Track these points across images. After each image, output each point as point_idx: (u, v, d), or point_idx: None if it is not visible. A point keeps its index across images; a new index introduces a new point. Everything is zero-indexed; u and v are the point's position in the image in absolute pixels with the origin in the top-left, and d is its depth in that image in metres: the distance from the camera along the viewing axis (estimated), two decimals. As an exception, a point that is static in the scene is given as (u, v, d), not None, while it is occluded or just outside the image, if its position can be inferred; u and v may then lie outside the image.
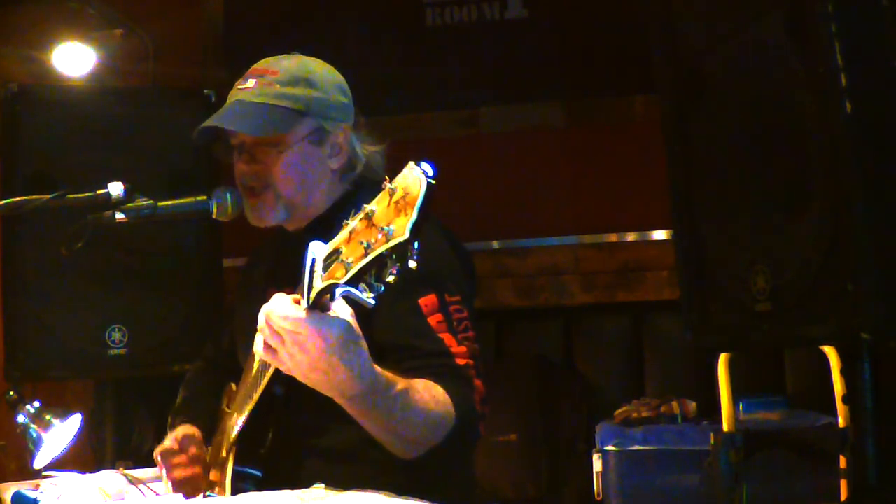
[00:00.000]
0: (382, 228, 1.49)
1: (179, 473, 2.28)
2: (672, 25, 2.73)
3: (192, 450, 2.30)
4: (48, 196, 2.19)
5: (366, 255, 1.51)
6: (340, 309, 1.69)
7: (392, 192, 1.51)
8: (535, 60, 4.65)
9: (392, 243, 1.48)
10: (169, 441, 2.31)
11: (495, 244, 4.63)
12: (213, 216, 2.25)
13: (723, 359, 3.08)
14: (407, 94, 4.71)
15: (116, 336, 3.51)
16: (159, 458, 2.31)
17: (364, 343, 1.74)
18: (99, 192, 2.19)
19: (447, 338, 2.01)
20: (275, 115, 2.16)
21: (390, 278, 1.51)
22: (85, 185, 2.22)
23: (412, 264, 1.49)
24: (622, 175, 4.52)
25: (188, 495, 2.27)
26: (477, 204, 4.54)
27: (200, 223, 3.44)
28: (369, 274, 1.53)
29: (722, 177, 2.60)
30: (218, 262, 3.72)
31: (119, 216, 2.17)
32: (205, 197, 2.25)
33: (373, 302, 1.56)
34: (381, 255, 1.49)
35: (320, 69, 2.25)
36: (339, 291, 1.58)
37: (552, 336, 4.53)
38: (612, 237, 4.54)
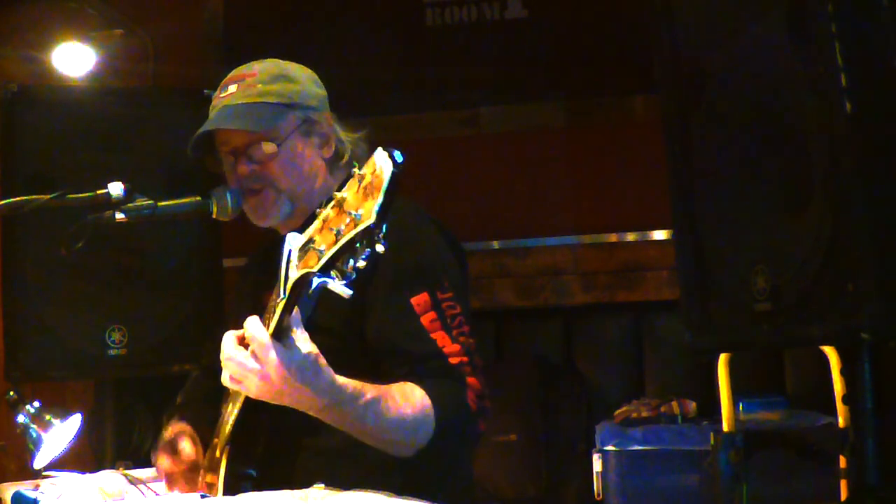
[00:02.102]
0: (350, 213, 1.51)
1: (174, 470, 2.29)
2: (672, 25, 2.73)
3: (184, 444, 2.30)
4: (48, 196, 2.19)
5: (336, 241, 1.54)
6: (298, 337, 1.77)
7: (361, 178, 1.53)
8: (535, 60, 4.65)
9: (360, 227, 1.50)
10: (161, 443, 2.32)
11: (495, 244, 4.63)
12: (213, 216, 2.25)
13: (723, 359, 3.08)
14: (407, 94, 4.71)
15: (116, 336, 3.51)
16: (155, 461, 2.32)
17: (322, 360, 1.82)
18: (99, 192, 2.19)
19: (440, 337, 2.03)
20: (264, 111, 2.19)
21: (361, 263, 1.54)
22: (85, 185, 2.22)
23: (380, 248, 1.51)
24: (622, 175, 4.52)
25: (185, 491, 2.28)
26: (477, 204, 4.54)
27: (200, 223, 3.43)
28: (342, 260, 1.55)
29: (722, 176, 2.60)
30: (218, 262, 3.72)
31: (119, 216, 2.17)
32: (205, 197, 2.25)
33: (349, 291, 1.58)
34: (350, 240, 1.51)
35: (293, 66, 2.30)
36: (315, 282, 1.61)
37: (552, 336, 4.53)
38: (612, 237, 4.55)
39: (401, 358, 2.00)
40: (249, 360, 1.78)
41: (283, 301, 1.70)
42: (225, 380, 1.86)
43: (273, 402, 1.84)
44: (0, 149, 3.53)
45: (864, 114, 2.18)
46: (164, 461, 2.28)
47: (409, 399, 1.94)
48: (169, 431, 2.32)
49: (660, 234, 4.42)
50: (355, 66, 4.60)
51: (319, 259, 1.57)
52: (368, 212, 1.49)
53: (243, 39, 4.81)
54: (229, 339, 1.83)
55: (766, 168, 2.44)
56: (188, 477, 2.28)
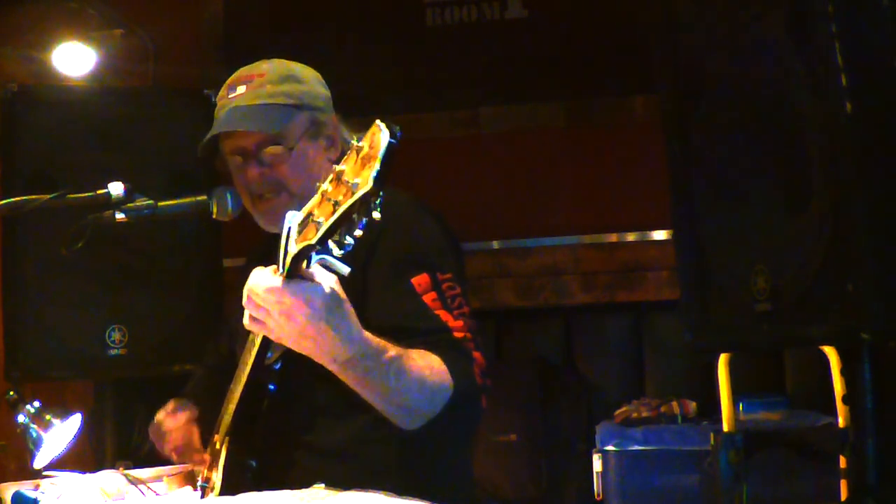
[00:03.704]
0: (348, 183, 1.52)
1: (176, 436, 2.32)
2: (672, 25, 2.73)
3: (185, 414, 2.32)
4: (48, 196, 2.19)
5: (335, 211, 1.54)
6: (322, 275, 1.71)
7: (359, 150, 1.54)
8: (535, 60, 4.65)
9: (358, 195, 1.50)
10: (160, 413, 2.35)
11: (495, 244, 4.62)
12: (213, 216, 2.25)
13: (723, 359, 3.08)
14: (407, 94, 4.71)
15: (116, 336, 3.51)
16: (152, 434, 2.34)
17: (349, 306, 1.76)
18: (99, 192, 2.19)
19: (443, 314, 2.03)
20: (275, 113, 2.17)
21: (358, 233, 1.54)
22: (85, 185, 2.23)
23: (376, 215, 1.51)
24: (622, 175, 4.52)
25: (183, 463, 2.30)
26: (477, 204, 4.54)
27: (200, 223, 3.44)
28: (339, 231, 1.55)
29: (722, 177, 2.60)
30: (218, 262, 3.72)
31: (119, 216, 2.18)
32: (205, 197, 2.25)
33: (347, 269, 1.59)
34: (348, 209, 1.51)
35: (299, 66, 2.28)
36: (314, 259, 1.61)
37: (552, 336, 4.53)
38: (612, 237, 4.54)
39: (406, 335, 1.98)
40: (272, 299, 1.70)
41: (284, 276, 1.69)
42: (246, 320, 1.79)
43: (295, 348, 1.76)
44: (0, 149, 3.53)
45: (864, 114, 2.18)
46: (165, 424, 2.32)
47: (428, 363, 1.91)
48: (168, 405, 2.36)
49: (660, 234, 4.42)
50: (355, 66, 4.60)
51: (318, 230, 1.57)
52: (365, 180, 1.49)
53: (243, 39, 4.80)
54: (249, 282, 1.75)
55: (766, 168, 2.44)
56: (187, 444, 2.30)
